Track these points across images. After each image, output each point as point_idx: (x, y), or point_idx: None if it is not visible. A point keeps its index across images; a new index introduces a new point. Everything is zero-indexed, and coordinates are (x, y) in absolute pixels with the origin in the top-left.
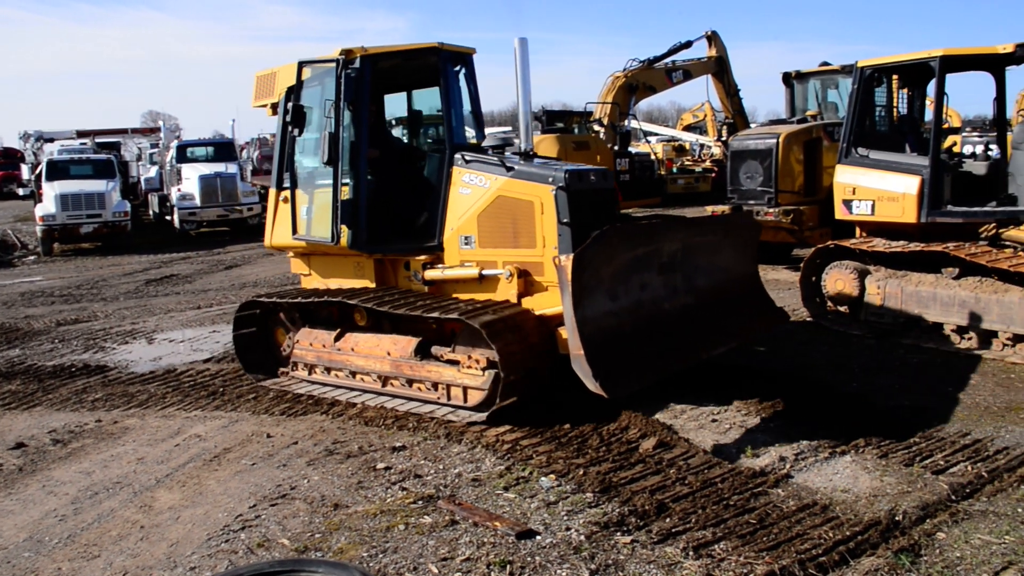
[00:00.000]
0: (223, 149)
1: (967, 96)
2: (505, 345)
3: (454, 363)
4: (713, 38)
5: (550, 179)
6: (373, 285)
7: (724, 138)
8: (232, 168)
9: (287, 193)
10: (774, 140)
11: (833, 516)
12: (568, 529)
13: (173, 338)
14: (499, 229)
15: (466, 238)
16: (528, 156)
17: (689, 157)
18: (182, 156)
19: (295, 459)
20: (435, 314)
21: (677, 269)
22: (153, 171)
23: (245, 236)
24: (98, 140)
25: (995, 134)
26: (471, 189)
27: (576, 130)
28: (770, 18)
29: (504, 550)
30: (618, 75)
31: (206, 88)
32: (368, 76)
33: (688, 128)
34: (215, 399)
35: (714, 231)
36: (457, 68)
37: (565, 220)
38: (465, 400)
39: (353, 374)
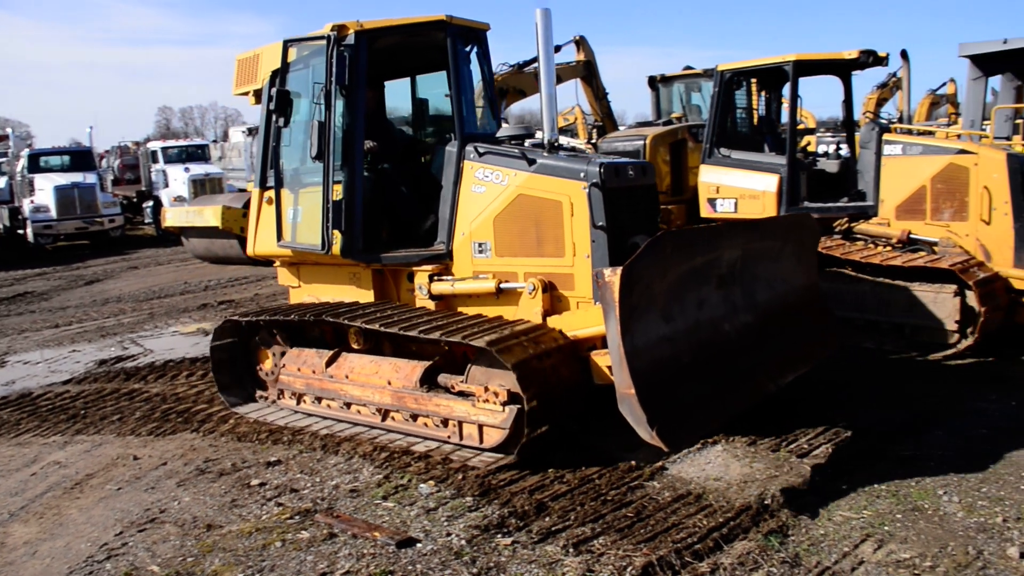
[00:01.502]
0: (80, 158)
1: (824, 98)
2: (531, 375)
3: (467, 395)
4: (581, 43)
5: (581, 174)
6: (371, 299)
7: (594, 140)
8: (91, 178)
9: (271, 193)
10: (641, 142)
11: (707, 504)
12: (449, 535)
13: (28, 360)
14: (520, 234)
15: (480, 245)
16: (554, 148)
17: None
18: (34, 166)
19: (164, 481)
20: (441, 335)
21: (736, 281)
22: (2, 181)
23: (107, 249)
24: None
25: (845, 134)
26: (486, 187)
27: None
28: (636, 24)
29: (385, 560)
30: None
31: (60, 94)
32: (364, 55)
33: (559, 131)
34: (76, 422)
35: (775, 234)
36: (468, 47)
37: (600, 223)
38: (481, 440)
39: (348, 405)
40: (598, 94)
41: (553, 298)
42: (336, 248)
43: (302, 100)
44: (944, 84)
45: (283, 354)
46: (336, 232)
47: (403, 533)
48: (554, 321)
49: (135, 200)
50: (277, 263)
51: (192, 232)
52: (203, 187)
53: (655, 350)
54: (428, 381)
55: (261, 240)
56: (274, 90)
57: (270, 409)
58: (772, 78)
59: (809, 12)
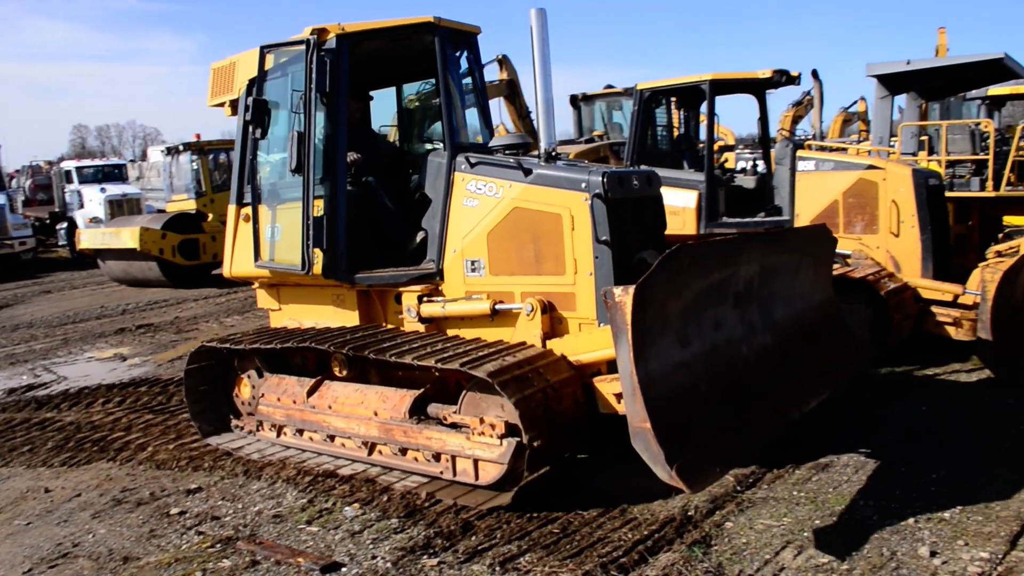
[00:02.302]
0: None
1: (745, 116)
2: (530, 406)
3: (460, 427)
4: (504, 62)
5: (583, 184)
6: (357, 322)
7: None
8: (0, 199)
9: (248, 210)
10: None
11: (632, 518)
12: (374, 557)
13: None
14: (516, 251)
15: (473, 263)
16: (552, 157)
17: None
18: None
19: (78, 513)
20: (432, 362)
21: (753, 299)
22: None
23: (18, 273)
24: None
25: (762, 151)
26: (478, 200)
27: None
28: (559, 43)
29: None
30: (411, 98)
31: None
32: (346, 60)
33: None
34: None
35: (792, 247)
36: (458, 51)
37: (604, 238)
38: (476, 476)
39: (331, 438)
40: (521, 112)
41: (553, 319)
42: (317, 268)
43: (281, 110)
44: (856, 102)
45: (262, 382)
46: (317, 251)
47: (327, 558)
48: (555, 345)
49: (48, 222)
50: (256, 285)
51: (109, 254)
52: (120, 208)
53: (671, 378)
54: (418, 412)
55: (238, 260)
56: (250, 99)
57: (246, 440)
58: (690, 97)
59: (728, 32)
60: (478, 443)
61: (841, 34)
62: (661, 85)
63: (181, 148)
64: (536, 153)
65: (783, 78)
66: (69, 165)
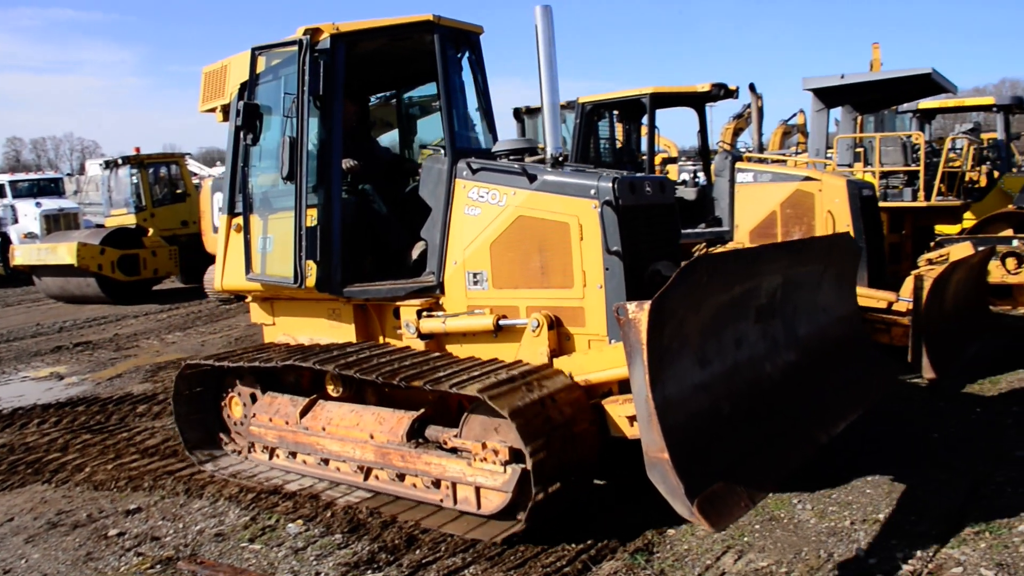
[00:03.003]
0: None
1: (689, 128)
2: (537, 430)
3: (461, 451)
4: None
5: (592, 191)
6: (353, 338)
7: None
8: None
9: (240, 220)
10: None
11: (575, 526)
12: (318, 574)
13: None
14: (521, 262)
15: (475, 275)
16: (558, 163)
17: None
18: None
19: (10, 538)
20: (427, 383)
21: (776, 314)
22: None
23: None
24: None
25: (702, 163)
26: (481, 208)
27: None
28: (505, 56)
29: None
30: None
31: None
32: (341, 62)
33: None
34: None
35: (816, 258)
36: (459, 52)
37: (615, 248)
38: (478, 505)
39: (325, 461)
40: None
41: (560, 335)
42: (311, 281)
43: (273, 115)
44: (795, 115)
45: (254, 401)
46: (310, 263)
47: (270, 575)
48: (562, 363)
49: None
50: (249, 298)
51: (45, 271)
52: (57, 223)
53: (691, 401)
54: (416, 435)
55: (230, 273)
56: (241, 104)
57: (234, 460)
58: (631, 110)
59: (673, 46)
60: (480, 470)
61: (785, 48)
62: (603, 99)
63: (120, 161)
64: (542, 158)
65: (721, 92)
66: (2, 179)
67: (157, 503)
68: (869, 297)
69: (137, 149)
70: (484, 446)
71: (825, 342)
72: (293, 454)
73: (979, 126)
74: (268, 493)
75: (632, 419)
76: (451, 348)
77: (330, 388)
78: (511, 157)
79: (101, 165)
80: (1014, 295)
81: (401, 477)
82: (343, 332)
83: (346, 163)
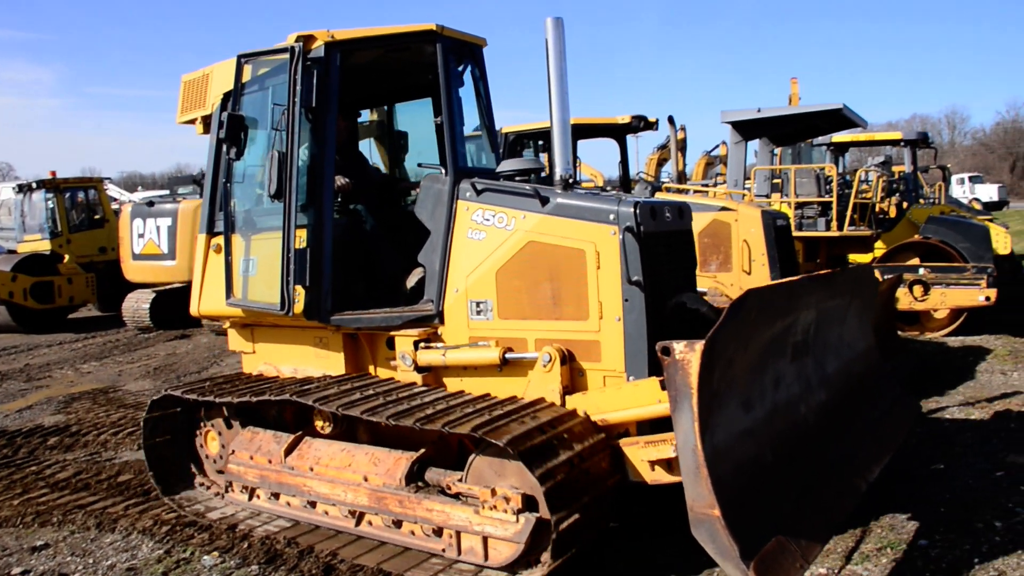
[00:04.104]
0: None
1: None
2: (554, 476)
3: (466, 497)
4: None
5: (611, 216)
6: (342, 369)
7: None
8: None
9: (221, 240)
10: None
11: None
12: None
13: None
14: (530, 291)
15: (479, 304)
16: (568, 184)
17: None
18: None
19: None
20: (446, 425)
21: (809, 350)
22: None
23: None
24: None
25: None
26: (486, 232)
27: None
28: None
29: None
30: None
31: None
32: (336, 71)
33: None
34: None
35: (844, 291)
36: (461, 65)
37: (636, 278)
38: (485, 556)
39: (312, 504)
40: (396, 159)
41: (573, 371)
42: (299, 307)
43: (259, 127)
44: (717, 146)
45: (232, 436)
46: (299, 288)
47: None
48: (576, 401)
49: None
50: (227, 324)
51: None
52: None
53: (737, 450)
54: (416, 478)
55: (207, 297)
56: (225, 115)
57: (207, 495)
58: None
59: (602, 76)
60: (489, 518)
61: (710, 82)
62: (525, 128)
63: (35, 185)
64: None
65: (641, 123)
66: None
67: (66, 538)
68: None
69: (53, 173)
70: (493, 492)
71: (851, 379)
72: (276, 495)
73: (890, 159)
74: (184, 525)
75: (654, 464)
76: (450, 382)
77: (319, 424)
78: (517, 178)
79: (14, 188)
80: (921, 321)
81: (398, 524)
82: (331, 362)
83: (338, 181)
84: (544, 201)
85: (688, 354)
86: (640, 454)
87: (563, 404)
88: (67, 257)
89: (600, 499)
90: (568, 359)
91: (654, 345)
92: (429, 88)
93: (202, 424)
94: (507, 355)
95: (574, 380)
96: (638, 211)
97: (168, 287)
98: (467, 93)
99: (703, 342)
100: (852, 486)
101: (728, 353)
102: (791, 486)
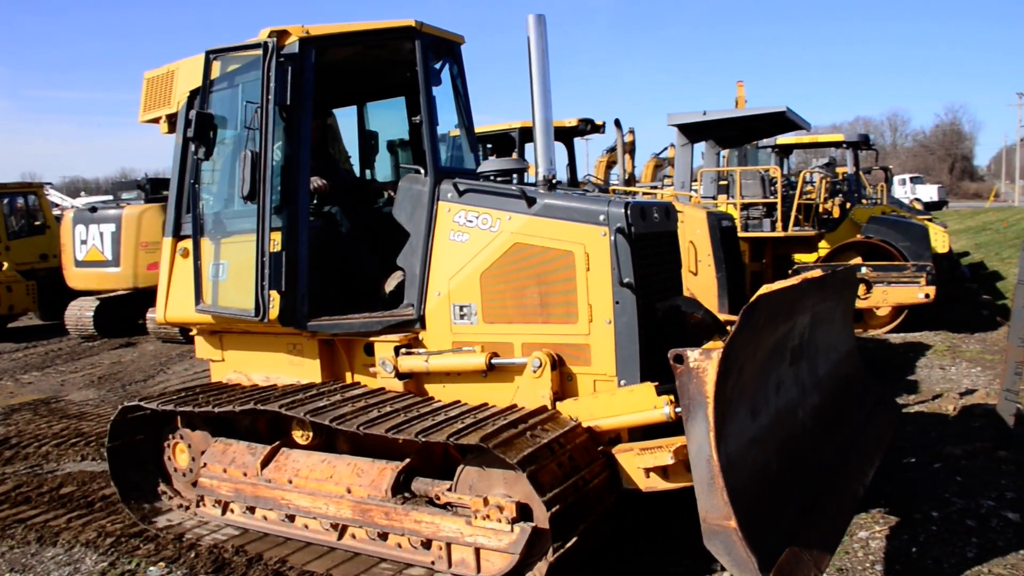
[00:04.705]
0: None
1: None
2: (550, 483)
3: (456, 507)
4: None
5: (601, 216)
6: (318, 377)
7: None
8: None
9: (188, 244)
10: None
11: None
12: None
13: None
14: (516, 294)
15: (462, 308)
16: (552, 185)
17: None
18: None
19: None
20: (451, 437)
21: (803, 354)
22: None
23: None
24: None
25: None
26: (469, 234)
27: None
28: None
29: None
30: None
31: None
32: (310, 68)
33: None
34: None
35: (834, 293)
36: (439, 63)
37: (627, 280)
38: (478, 568)
39: (291, 518)
40: (340, 158)
41: (562, 375)
42: (274, 313)
43: (228, 126)
44: (665, 148)
45: (203, 450)
46: (274, 293)
47: None
48: (567, 407)
49: None
50: (194, 331)
51: None
52: None
53: (748, 459)
54: (402, 489)
55: (174, 303)
56: (193, 113)
57: (177, 512)
58: (502, 143)
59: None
60: (481, 528)
61: (660, 85)
62: (484, 131)
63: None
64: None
65: (588, 126)
66: None
67: (4, 554)
68: (730, 322)
69: None
70: (486, 502)
71: (839, 380)
72: (252, 509)
73: (834, 161)
74: (129, 536)
75: (649, 471)
76: (432, 388)
77: (297, 435)
78: (498, 179)
79: None
80: (864, 319)
81: (384, 536)
82: (306, 370)
83: (315, 182)
84: (530, 202)
85: (704, 362)
86: (635, 461)
87: (554, 409)
88: (6, 265)
89: (594, 504)
90: (558, 364)
91: (645, 348)
92: (404, 87)
93: (170, 436)
94: (493, 361)
95: (563, 384)
96: (629, 212)
97: (113, 294)
98: (444, 91)
99: (720, 350)
100: (853, 492)
101: (740, 360)
102: (796, 494)
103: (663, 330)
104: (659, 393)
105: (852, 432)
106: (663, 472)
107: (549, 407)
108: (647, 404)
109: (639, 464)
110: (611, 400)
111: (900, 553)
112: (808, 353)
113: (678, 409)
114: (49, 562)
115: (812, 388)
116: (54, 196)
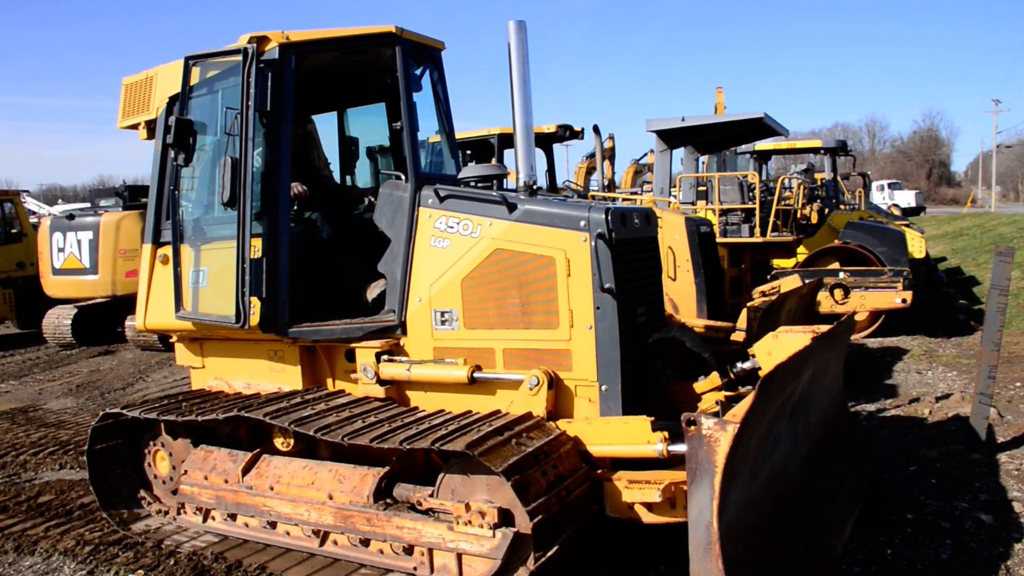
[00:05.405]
0: None
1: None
2: (535, 492)
3: (439, 513)
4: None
5: (582, 222)
6: (299, 384)
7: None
8: None
9: (168, 250)
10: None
11: None
12: None
13: None
14: (497, 300)
15: (443, 314)
16: (532, 191)
17: None
18: None
19: None
20: (436, 443)
21: (801, 406)
22: None
23: None
24: None
25: None
26: (450, 240)
27: None
28: None
29: None
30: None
31: None
32: (291, 74)
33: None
34: None
35: (833, 344)
36: (420, 68)
37: (608, 286)
38: (460, 573)
39: (272, 524)
40: (320, 164)
41: (558, 394)
42: (255, 319)
43: (208, 132)
44: (645, 154)
45: (185, 454)
46: (255, 299)
47: None
48: (561, 428)
49: None
50: (174, 338)
51: None
52: None
53: (744, 522)
54: (384, 495)
55: (154, 310)
56: (172, 119)
57: (156, 518)
58: (481, 148)
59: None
60: (463, 534)
61: (641, 91)
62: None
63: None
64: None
65: (567, 132)
66: None
67: None
68: (709, 328)
69: None
70: (468, 507)
71: (825, 426)
72: (233, 516)
73: (813, 167)
74: (108, 544)
75: (647, 506)
76: (414, 395)
77: (278, 441)
78: (479, 185)
79: None
80: None
81: (365, 543)
82: (287, 376)
83: (295, 188)
84: (512, 208)
85: (718, 432)
86: (624, 494)
87: (545, 419)
88: None
89: (577, 515)
90: (555, 383)
91: (626, 353)
92: (385, 93)
93: (151, 444)
94: (476, 375)
95: (559, 405)
96: (609, 217)
97: (91, 302)
98: (425, 97)
99: (737, 424)
100: (832, 551)
101: (750, 430)
102: (784, 554)
103: (654, 355)
104: (654, 429)
105: (834, 483)
106: (648, 506)
107: (541, 414)
108: (641, 438)
109: (627, 498)
110: (605, 428)
111: (875, 554)
112: (804, 404)
113: (671, 448)
114: (27, 571)
115: (803, 438)
116: (31, 203)
